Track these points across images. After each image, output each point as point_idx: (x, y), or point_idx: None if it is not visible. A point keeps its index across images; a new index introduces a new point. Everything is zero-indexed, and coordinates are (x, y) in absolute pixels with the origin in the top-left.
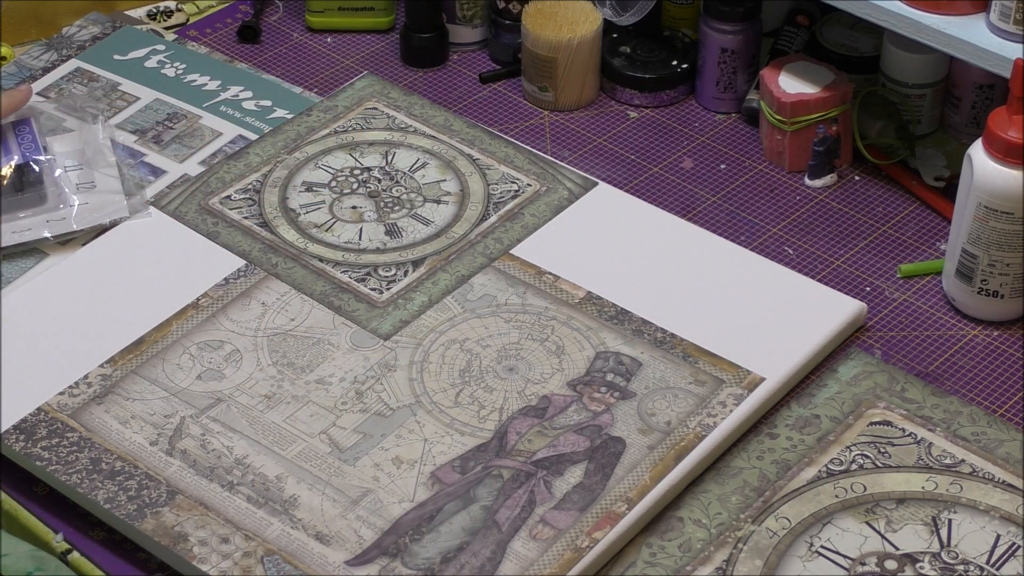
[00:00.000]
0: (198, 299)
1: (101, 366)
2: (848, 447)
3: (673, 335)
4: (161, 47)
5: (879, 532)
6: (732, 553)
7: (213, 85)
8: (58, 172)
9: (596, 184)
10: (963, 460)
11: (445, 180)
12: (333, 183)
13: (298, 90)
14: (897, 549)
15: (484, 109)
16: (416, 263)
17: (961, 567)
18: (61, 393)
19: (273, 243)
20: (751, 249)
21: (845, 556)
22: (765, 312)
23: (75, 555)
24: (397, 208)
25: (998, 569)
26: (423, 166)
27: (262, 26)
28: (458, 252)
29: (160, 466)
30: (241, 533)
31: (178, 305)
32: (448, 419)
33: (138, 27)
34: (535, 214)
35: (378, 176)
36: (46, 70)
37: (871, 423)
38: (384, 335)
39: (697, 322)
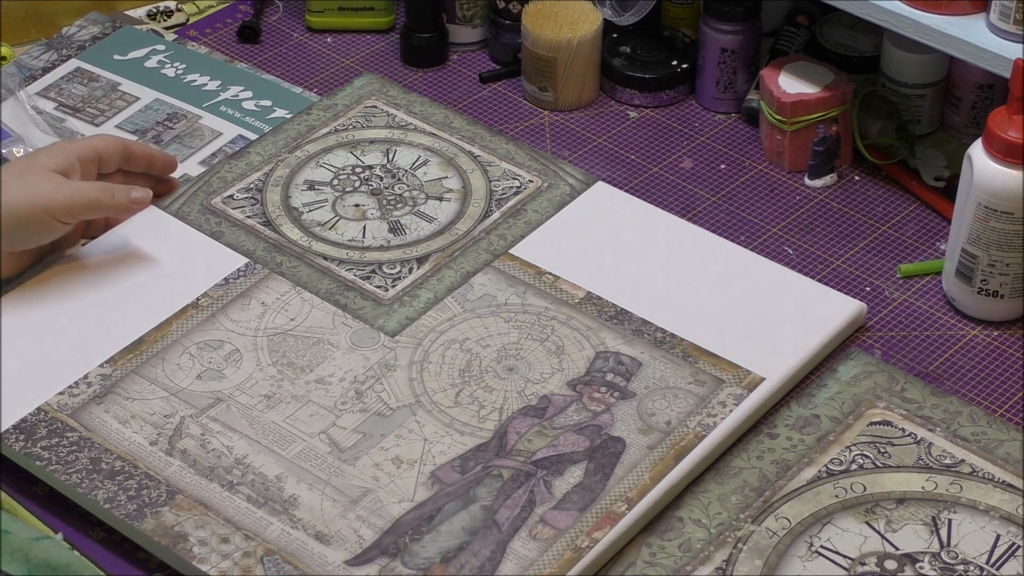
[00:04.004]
0: (198, 299)
1: (101, 366)
2: (848, 447)
3: (673, 335)
4: (161, 47)
5: (879, 532)
6: (732, 553)
7: (213, 85)
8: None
9: (596, 181)
10: (963, 460)
11: (447, 177)
12: (335, 181)
13: (298, 90)
14: (897, 549)
15: (484, 109)
16: (420, 260)
17: (961, 567)
18: (61, 393)
19: (277, 242)
20: (751, 249)
21: (845, 556)
22: (765, 312)
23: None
24: (400, 206)
25: (998, 569)
26: (424, 163)
27: (262, 26)
28: (462, 249)
29: (160, 466)
30: (241, 533)
31: (178, 305)
32: (448, 419)
33: (138, 27)
34: (538, 210)
35: (380, 174)
36: (46, 70)
37: (871, 423)
38: (391, 332)
39: (697, 322)
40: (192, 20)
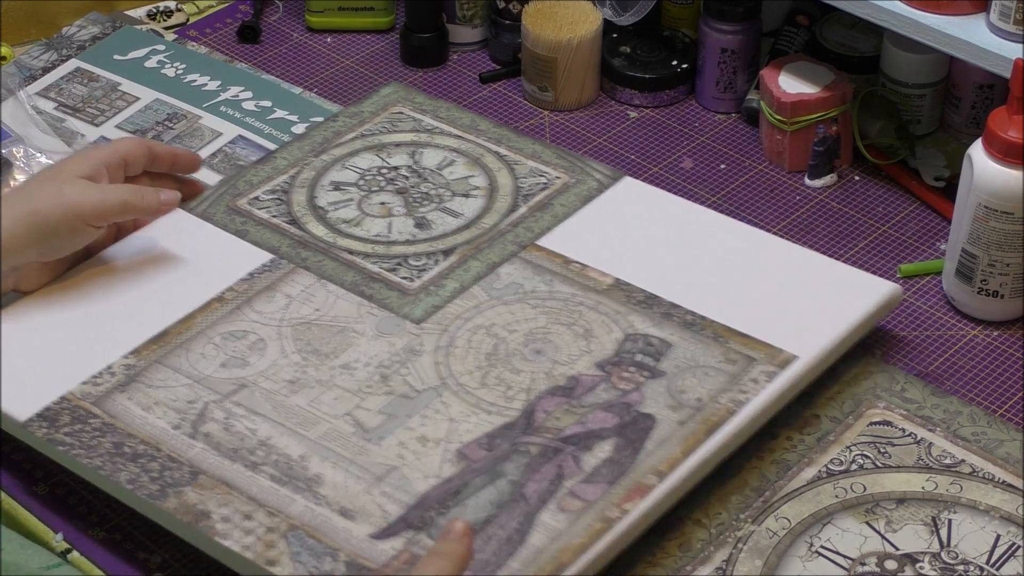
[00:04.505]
0: (223, 293)
1: (125, 356)
2: (848, 447)
3: (703, 317)
4: (161, 47)
5: (879, 532)
6: (732, 553)
7: (213, 85)
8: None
9: (623, 177)
10: (963, 460)
11: (473, 176)
12: (361, 182)
13: (298, 90)
14: (897, 549)
15: (484, 109)
16: (447, 252)
17: (961, 567)
18: (85, 382)
19: (302, 239)
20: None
21: (845, 556)
22: (798, 294)
23: (75, 555)
24: (426, 203)
25: (998, 569)
26: (451, 164)
27: (262, 26)
28: (489, 241)
29: (182, 448)
30: (264, 510)
31: (203, 299)
32: (474, 399)
33: (138, 27)
34: (565, 204)
35: (405, 174)
36: (46, 70)
37: (871, 423)
38: (416, 320)
39: (728, 305)
40: (192, 20)
